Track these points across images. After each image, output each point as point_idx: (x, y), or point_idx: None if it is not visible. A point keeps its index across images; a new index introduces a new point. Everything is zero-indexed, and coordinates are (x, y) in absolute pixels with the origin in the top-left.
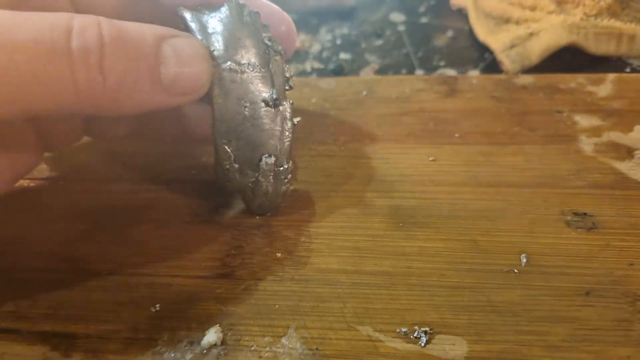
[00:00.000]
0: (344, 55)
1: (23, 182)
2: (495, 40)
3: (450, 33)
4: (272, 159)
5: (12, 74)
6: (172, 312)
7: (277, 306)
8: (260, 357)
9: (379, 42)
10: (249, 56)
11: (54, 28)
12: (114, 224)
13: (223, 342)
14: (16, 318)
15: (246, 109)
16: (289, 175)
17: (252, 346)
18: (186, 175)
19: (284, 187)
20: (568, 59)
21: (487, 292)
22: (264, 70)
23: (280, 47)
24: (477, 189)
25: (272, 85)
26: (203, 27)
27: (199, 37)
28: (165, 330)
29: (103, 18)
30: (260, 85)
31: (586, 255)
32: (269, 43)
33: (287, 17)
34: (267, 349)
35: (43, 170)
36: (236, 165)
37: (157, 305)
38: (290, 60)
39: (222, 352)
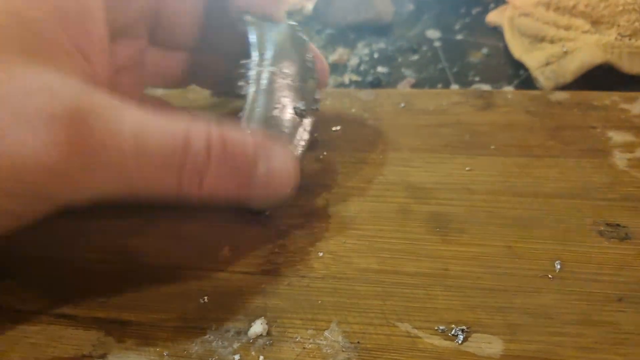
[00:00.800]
0: (381, 69)
1: None
2: (531, 57)
3: (485, 50)
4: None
5: (136, 177)
6: (219, 304)
7: (319, 302)
8: (304, 348)
9: (415, 57)
10: (293, 68)
11: (176, 137)
12: (164, 221)
13: (269, 333)
14: (73, 305)
15: (276, 109)
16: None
17: (296, 338)
18: None
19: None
20: (602, 77)
21: (522, 295)
22: (300, 84)
23: (316, 75)
24: (512, 198)
25: (303, 99)
26: (261, 35)
27: (254, 41)
28: (213, 320)
29: (214, 127)
30: (294, 94)
31: (619, 264)
32: (310, 65)
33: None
34: (311, 340)
35: None
36: None
37: (205, 297)
38: (329, 72)
39: (267, 342)
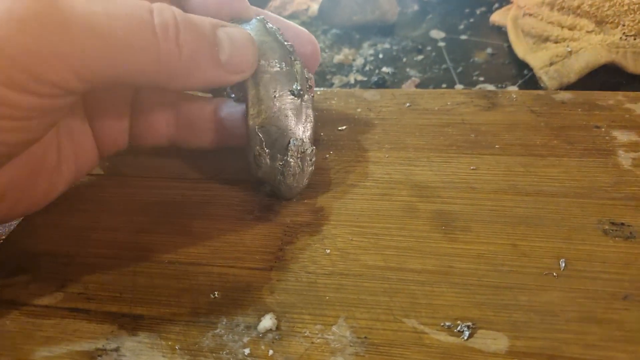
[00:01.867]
0: (386, 69)
1: (87, 178)
2: (535, 57)
3: (489, 50)
4: (299, 142)
5: (112, 38)
6: (229, 299)
7: (327, 297)
8: (312, 342)
9: (419, 57)
10: (276, 55)
11: (140, 7)
12: (175, 218)
13: (278, 328)
14: (86, 299)
15: (275, 98)
16: (313, 158)
17: (304, 332)
18: (241, 175)
19: (310, 169)
20: (606, 77)
21: (527, 292)
22: (288, 68)
23: (299, 57)
24: (516, 197)
25: (296, 80)
26: None
27: None
28: (224, 315)
29: (174, 7)
30: (286, 78)
31: (624, 262)
32: (290, 49)
33: (313, 39)
34: (319, 335)
35: (104, 168)
36: (267, 150)
37: (216, 293)
38: (334, 72)
39: (277, 337)
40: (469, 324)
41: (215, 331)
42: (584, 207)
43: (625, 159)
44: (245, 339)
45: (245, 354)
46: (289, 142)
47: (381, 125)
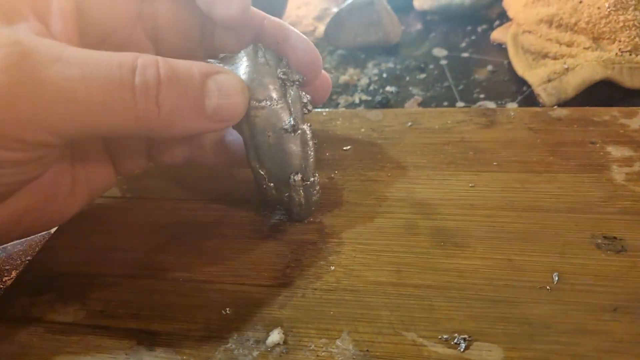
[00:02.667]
0: (389, 88)
1: (106, 200)
2: (533, 74)
3: (490, 67)
4: (299, 176)
5: (88, 102)
6: (240, 315)
7: (331, 312)
8: (318, 356)
9: (422, 75)
10: (266, 92)
11: (122, 66)
12: (188, 237)
13: (285, 342)
14: (107, 316)
15: (270, 138)
16: (317, 187)
17: (310, 346)
18: (250, 196)
19: (314, 198)
20: (603, 92)
21: (521, 305)
22: (281, 102)
23: (297, 76)
24: (513, 213)
25: (290, 114)
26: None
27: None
28: (235, 330)
29: (160, 58)
30: (279, 115)
31: (615, 275)
32: (283, 77)
33: (312, 47)
34: (324, 349)
35: (122, 191)
36: (271, 184)
37: (227, 309)
38: (340, 92)
39: (284, 351)
40: (466, 336)
41: (227, 345)
42: (578, 222)
43: (618, 173)
44: (255, 353)
45: None
46: (290, 177)
47: (384, 144)
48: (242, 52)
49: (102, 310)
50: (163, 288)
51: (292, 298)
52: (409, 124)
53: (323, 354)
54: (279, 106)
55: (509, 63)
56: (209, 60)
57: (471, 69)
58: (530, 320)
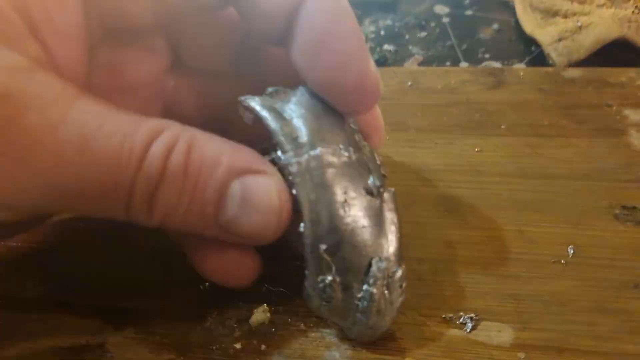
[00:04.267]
0: (387, 47)
1: None
2: (543, 33)
3: (495, 26)
4: (384, 264)
5: (72, 193)
6: (219, 291)
7: None
8: (307, 336)
9: (422, 34)
10: (338, 140)
11: (132, 157)
12: None
13: (270, 321)
14: (71, 293)
15: (346, 203)
16: (404, 283)
17: (299, 326)
18: None
19: (400, 299)
20: (617, 53)
21: (534, 281)
22: (358, 155)
23: (362, 135)
24: (523, 180)
25: (370, 172)
26: (278, 114)
27: (275, 124)
28: (214, 307)
29: (185, 139)
30: (358, 171)
31: (635, 249)
32: (354, 127)
33: (379, 115)
34: (314, 329)
35: None
36: (338, 279)
37: (206, 284)
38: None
39: (270, 331)
40: (472, 315)
41: (205, 325)
42: (594, 191)
43: (637, 139)
44: (237, 334)
45: (237, 348)
46: (370, 265)
47: (382, 105)
48: (300, 88)
49: (65, 286)
50: (132, 261)
51: (278, 273)
52: (409, 83)
53: (313, 334)
54: (355, 158)
55: (516, 21)
56: (242, 98)
57: (475, 27)
58: (543, 298)
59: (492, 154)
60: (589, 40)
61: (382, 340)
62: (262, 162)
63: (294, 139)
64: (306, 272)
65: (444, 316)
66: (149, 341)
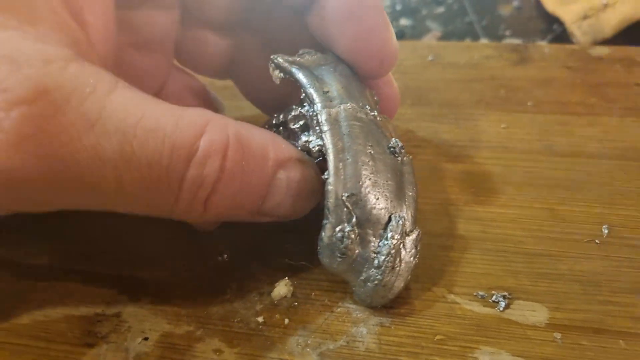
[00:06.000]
0: (404, 22)
1: None
2: (567, 11)
3: (516, 2)
4: (402, 220)
5: (113, 193)
6: (239, 263)
7: None
8: (332, 311)
9: (440, 9)
10: (365, 101)
11: (175, 151)
12: None
13: (293, 295)
14: (84, 260)
15: (372, 155)
16: (419, 246)
17: (323, 300)
18: None
19: (413, 261)
20: None
21: (567, 260)
22: (382, 118)
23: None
24: (552, 158)
25: (392, 135)
26: (309, 71)
27: (306, 79)
28: (233, 280)
29: (233, 134)
30: (382, 131)
31: None
32: (376, 98)
33: (394, 85)
34: (339, 304)
35: None
36: (357, 230)
37: (225, 255)
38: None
39: (293, 305)
40: (505, 294)
41: (225, 297)
42: (627, 170)
43: None
44: (258, 307)
45: (259, 322)
46: (390, 220)
47: (402, 79)
48: (330, 52)
49: (78, 253)
50: (148, 230)
51: (301, 245)
52: (430, 58)
53: (339, 309)
54: (380, 119)
55: None
56: (274, 57)
57: (494, 3)
58: (578, 277)
59: (519, 130)
60: (615, 19)
61: (412, 318)
62: (298, 151)
63: (325, 92)
64: (324, 222)
65: (475, 294)
66: (167, 312)
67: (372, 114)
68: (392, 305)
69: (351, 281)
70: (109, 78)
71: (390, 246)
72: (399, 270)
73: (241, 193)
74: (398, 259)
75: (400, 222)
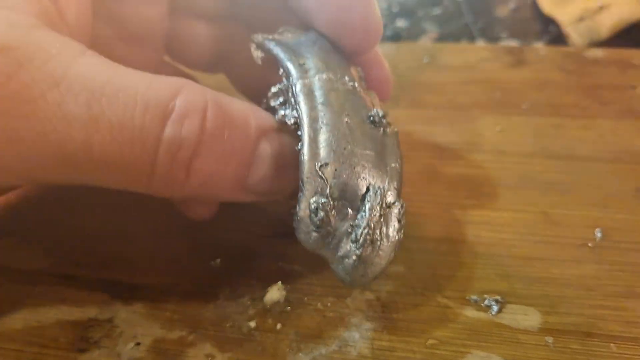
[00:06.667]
0: (400, 23)
1: None
2: (562, 12)
3: (512, 4)
4: (382, 191)
5: (83, 156)
6: (232, 267)
7: None
8: (325, 316)
9: (436, 10)
10: (344, 73)
11: (149, 109)
12: None
13: (286, 300)
14: (77, 265)
15: (348, 124)
16: (403, 219)
17: (316, 305)
18: None
19: (397, 236)
20: (638, 36)
21: (560, 264)
22: (363, 87)
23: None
24: (546, 161)
25: (373, 105)
26: (287, 47)
27: (284, 54)
28: (226, 285)
29: (212, 98)
30: (362, 101)
31: None
32: (361, 73)
33: (386, 66)
34: (332, 309)
35: None
36: (332, 202)
37: (218, 260)
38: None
39: (285, 309)
40: (497, 297)
41: (218, 302)
42: (620, 173)
43: None
44: (251, 312)
45: (251, 327)
46: (367, 190)
47: (397, 81)
48: (311, 29)
49: (71, 258)
50: (142, 234)
51: (294, 250)
52: (426, 60)
53: (331, 314)
54: (360, 89)
55: (533, 0)
56: (254, 36)
57: (491, 5)
58: (570, 282)
59: (514, 133)
60: (610, 21)
61: (404, 322)
62: (278, 121)
63: (301, 65)
64: (299, 195)
65: (467, 298)
66: (159, 317)
67: (352, 84)
68: (384, 310)
69: (329, 258)
70: (77, 45)
71: (368, 218)
72: (380, 244)
73: (225, 158)
74: (378, 232)
75: (379, 193)
